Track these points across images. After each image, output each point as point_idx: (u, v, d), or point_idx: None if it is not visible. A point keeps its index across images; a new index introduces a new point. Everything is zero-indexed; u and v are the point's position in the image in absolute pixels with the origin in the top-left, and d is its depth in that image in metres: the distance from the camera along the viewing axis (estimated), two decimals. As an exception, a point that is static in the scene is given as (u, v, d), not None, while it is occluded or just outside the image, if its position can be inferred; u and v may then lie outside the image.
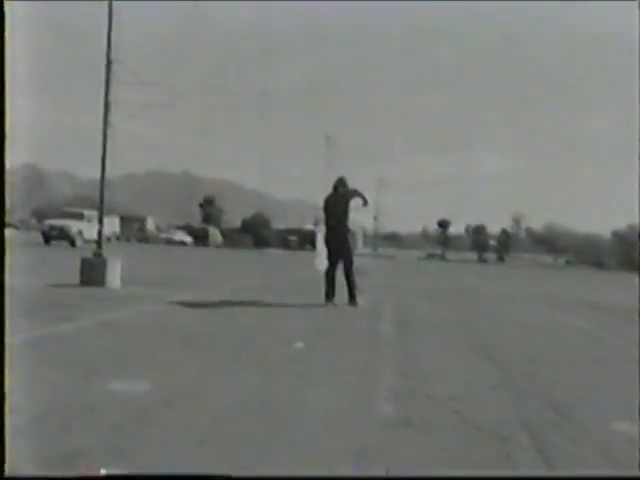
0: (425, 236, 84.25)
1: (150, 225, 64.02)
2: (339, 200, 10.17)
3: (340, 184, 10.28)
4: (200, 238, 63.30)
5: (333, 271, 10.08)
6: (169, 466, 2.75)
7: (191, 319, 7.68)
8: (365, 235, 65.01)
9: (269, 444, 3.12)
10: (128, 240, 49.40)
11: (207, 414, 3.57)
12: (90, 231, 26.63)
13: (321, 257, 10.24)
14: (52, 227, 30.60)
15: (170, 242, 57.92)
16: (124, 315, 7.56)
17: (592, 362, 6.50)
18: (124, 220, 49.98)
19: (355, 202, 10.37)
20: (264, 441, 3.16)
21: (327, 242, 10.31)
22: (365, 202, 10.36)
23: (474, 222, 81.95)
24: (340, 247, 10.07)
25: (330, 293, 9.98)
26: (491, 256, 77.01)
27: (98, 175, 11.68)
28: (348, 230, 10.24)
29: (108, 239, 25.82)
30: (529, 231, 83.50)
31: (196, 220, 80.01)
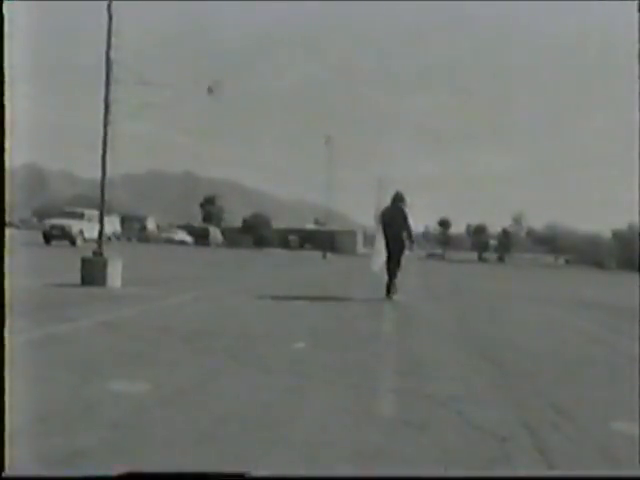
0: (426, 236, 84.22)
1: (151, 225, 64.07)
2: (398, 214, 11.57)
3: (398, 199, 11.68)
4: (201, 238, 63.41)
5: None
6: (169, 465, 2.76)
7: (191, 319, 7.68)
8: (366, 235, 65.02)
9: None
10: (129, 240, 49.39)
11: (210, 409, 3.57)
12: (91, 231, 26.60)
13: (375, 261, 12.43)
14: (53, 226, 30.56)
15: (171, 242, 57.97)
16: (125, 315, 7.56)
17: (592, 361, 6.50)
18: (125, 220, 49.95)
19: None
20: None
21: (387, 247, 11.69)
22: (410, 237, 11.67)
23: (474, 222, 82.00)
24: (397, 251, 11.57)
25: (390, 289, 11.48)
26: (491, 256, 77.09)
27: (99, 175, 11.67)
28: (404, 239, 11.60)
29: (109, 239, 25.76)
30: (530, 231, 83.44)
31: (197, 220, 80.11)
